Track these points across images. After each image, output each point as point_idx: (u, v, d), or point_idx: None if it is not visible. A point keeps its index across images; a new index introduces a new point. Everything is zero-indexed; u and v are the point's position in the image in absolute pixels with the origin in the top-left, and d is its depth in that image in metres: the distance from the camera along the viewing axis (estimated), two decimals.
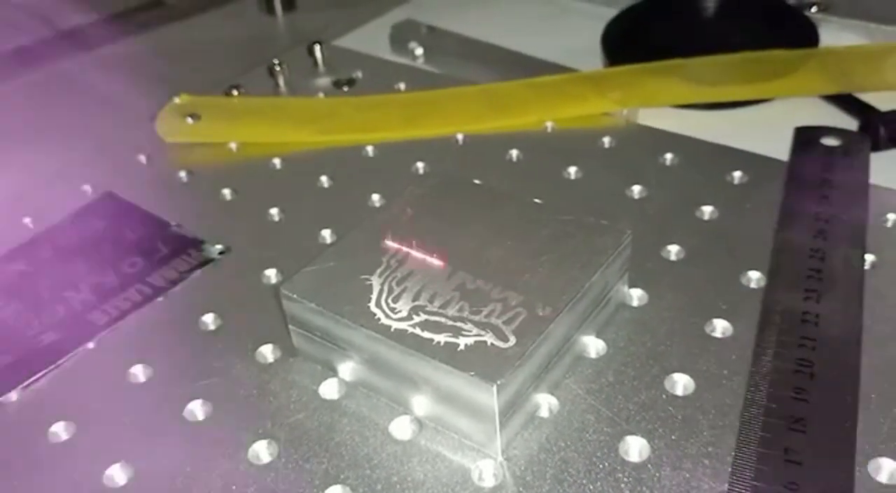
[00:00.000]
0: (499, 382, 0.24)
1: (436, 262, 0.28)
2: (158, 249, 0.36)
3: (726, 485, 0.24)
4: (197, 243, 0.36)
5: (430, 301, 0.27)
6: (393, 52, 0.54)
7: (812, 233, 0.33)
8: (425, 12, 0.57)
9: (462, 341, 0.25)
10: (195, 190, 0.41)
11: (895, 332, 0.29)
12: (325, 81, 0.49)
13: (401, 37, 0.54)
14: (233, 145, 0.44)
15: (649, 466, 0.25)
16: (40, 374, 0.30)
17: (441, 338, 0.25)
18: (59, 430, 0.28)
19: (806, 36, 0.47)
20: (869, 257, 0.32)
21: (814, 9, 0.52)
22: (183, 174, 0.42)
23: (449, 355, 0.25)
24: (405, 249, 0.29)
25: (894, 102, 0.41)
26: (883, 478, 0.24)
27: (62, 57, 0.57)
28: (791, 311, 0.29)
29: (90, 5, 0.62)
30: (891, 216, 0.34)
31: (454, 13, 0.58)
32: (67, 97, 0.52)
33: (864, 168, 0.37)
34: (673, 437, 0.26)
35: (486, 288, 0.27)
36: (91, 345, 0.31)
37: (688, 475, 0.25)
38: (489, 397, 0.24)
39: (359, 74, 0.49)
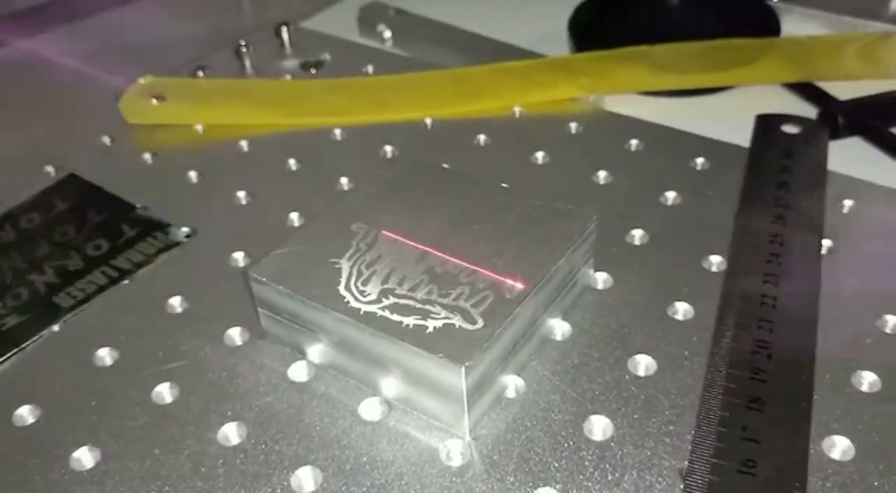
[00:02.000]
0: (467, 363, 0.24)
1: (405, 245, 0.28)
2: (124, 231, 0.36)
3: (686, 462, 0.25)
4: (163, 226, 0.36)
5: (399, 284, 0.27)
6: (361, 34, 0.54)
7: (771, 218, 0.34)
8: None
9: (431, 324, 0.25)
10: (161, 172, 0.41)
11: (850, 315, 0.30)
12: (292, 63, 0.49)
13: (369, 19, 0.54)
14: (199, 127, 0.44)
15: (612, 444, 0.26)
16: (4, 358, 0.30)
17: (410, 321, 0.25)
18: (25, 414, 0.28)
19: (768, 25, 0.48)
20: (826, 243, 0.33)
21: None
22: (148, 156, 0.41)
23: (418, 338, 0.25)
24: (374, 232, 0.29)
25: (853, 91, 0.42)
26: (836, 455, 0.25)
27: (23, 35, 0.56)
28: (750, 294, 0.30)
29: None
30: (847, 203, 0.35)
31: None
32: (29, 76, 0.51)
33: (823, 156, 0.38)
34: (635, 416, 0.27)
35: (454, 271, 0.27)
36: (56, 328, 0.31)
37: (649, 453, 0.25)
38: (457, 379, 0.24)
39: (326, 57, 0.49)
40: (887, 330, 0.29)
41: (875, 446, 0.25)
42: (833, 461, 0.25)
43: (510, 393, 0.28)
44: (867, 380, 0.27)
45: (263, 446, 0.26)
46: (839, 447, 0.25)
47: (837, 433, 0.26)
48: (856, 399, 0.27)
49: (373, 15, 0.54)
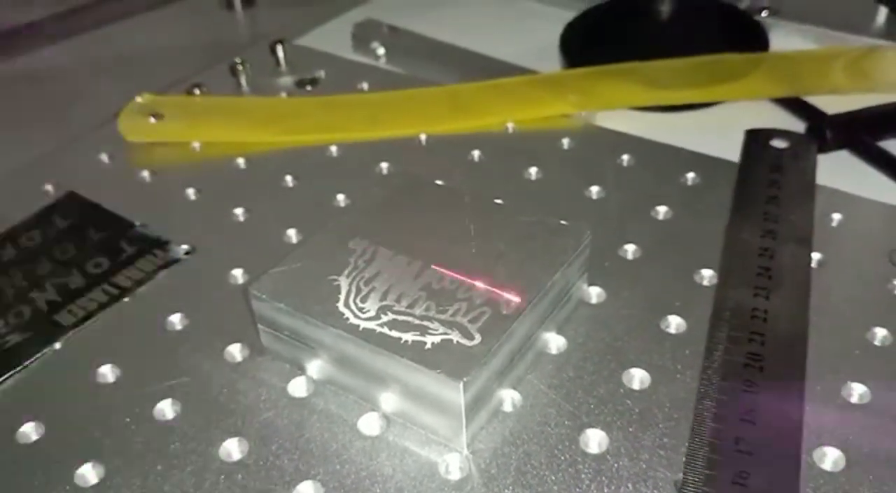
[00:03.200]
0: (465, 379, 0.24)
1: (402, 262, 0.29)
2: (123, 249, 0.36)
3: (681, 474, 0.25)
4: (162, 244, 0.36)
5: (398, 301, 0.27)
6: (355, 51, 0.55)
7: (761, 232, 0.34)
8: (386, 12, 0.58)
9: (429, 340, 0.26)
10: (159, 190, 0.41)
11: (840, 327, 0.30)
12: (287, 81, 0.50)
13: (363, 36, 0.55)
14: (196, 145, 0.44)
15: (608, 457, 0.26)
16: (7, 375, 0.30)
17: (408, 337, 0.26)
18: (29, 431, 0.28)
19: (757, 40, 0.49)
20: (815, 256, 0.34)
21: (764, 13, 0.53)
22: (146, 174, 0.42)
23: (416, 354, 0.25)
24: (372, 249, 0.30)
25: (841, 106, 0.43)
26: (827, 466, 0.26)
27: (18, 54, 0.57)
28: (741, 307, 0.31)
29: None
30: (836, 216, 0.36)
31: (415, 13, 0.58)
32: (26, 95, 0.52)
33: (812, 169, 0.38)
34: (630, 429, 0.27)
35: (451, 288, 0.28)
36: (58, 346, 0.32)
37: (644, 466, 0.26)
38: (456, 394, 0.25)
39: (321, 74, 0.50)
40: (876, 342, 0.30)
41: (865, 456, 0.26)
42: (824, 472, 0.26)
43: (507, 407, 0.28)
44: (857, 391, 0.28)
45: (264, 461, 0.27)
46: (830, 457, 0.26)
47: (829, 444, 0.26)
48: (846, 411, 0.27)
49: (366, 32, 0.55)
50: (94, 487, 0.26)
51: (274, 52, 0.51)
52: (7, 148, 0.45)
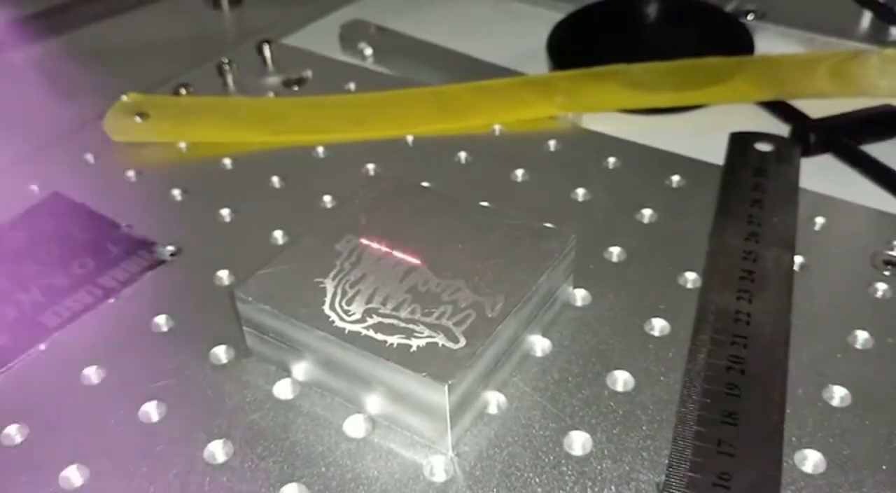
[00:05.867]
0: (450, 382, 0.25)
1: (388, 264, 0.29)
2: (109, 250, 0.36)
3: (663, 476, 0.26)
4: (148, 244, 0.36)
5: (383, 304, 0.27)
6: (342, 51, 0.55)
7: (745, 235, 0.35)
8: (373, 12, 0.58)
9: (414, 343, 0.26)
10: (144, 190, 0.41)
11: (822, 330, 0.31)
12: (274, 80, 0.50)
13: (350, 36, 0.55)
14: (182, 145, 0.44)
15: (592, 459, 0.26)
16: None
17: (394, 340, 0.26)
18: (13, 432, 0.28)
19: (742, 43, 0.49)
20: (798, 259, 0.34)
21: (750, 16, 0.54)
22: (132, 174, 0.42)
23: (402, 357, 0.25)
24: (357, 252, 0.30)
25: (824, 110, 0.43)
26: (808, 468, 0.26)
27: (3, 50, 0.56)
28: (724, 310, 0.31)
29: None
30: (819, 220, 0.36)
31: (403, 14, 0.58)
32: (10, 93, 0.51)
33: (795, 173, 0.39)
34: (614, 431, 0.27)
35: (437, 290, 0.28)
36: (42, 347, 0.31)
37: (628, 468, 0.26)
38: (441, 397, 0.25)
39: (308, 74, 0.50)
40: (858, 345, 0.30)
41: (846, 459, 0.26)
42: (805, 474, 0.26)
43: (492, 409, 0.28)
44: (838, 394, 0.28)
45: (250, 463, 0.27)
46: (811, 460, 0.26)
47: (809, 446, 0.27)
48: (827, 413, 0.28)
49: (354, 32, 0.55)
50: (78, 489, 0.26)
51: (261, 51, 0.51)
52: None
